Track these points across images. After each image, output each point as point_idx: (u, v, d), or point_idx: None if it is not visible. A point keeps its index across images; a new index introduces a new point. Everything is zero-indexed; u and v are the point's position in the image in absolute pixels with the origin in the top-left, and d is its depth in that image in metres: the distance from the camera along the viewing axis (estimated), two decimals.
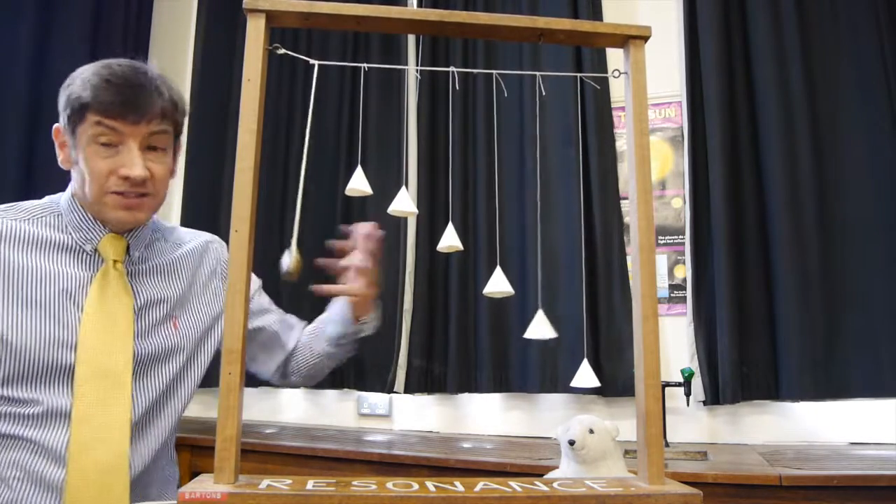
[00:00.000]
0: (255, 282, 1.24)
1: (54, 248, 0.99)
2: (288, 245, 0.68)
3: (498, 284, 0.84)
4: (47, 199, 1.05)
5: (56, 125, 1.01)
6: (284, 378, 1.28)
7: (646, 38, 0.71)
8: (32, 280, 0.96)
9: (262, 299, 1.26)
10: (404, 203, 0.79)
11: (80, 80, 0.95)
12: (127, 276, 1.02)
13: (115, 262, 1.01)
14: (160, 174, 1.00)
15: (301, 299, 2.67)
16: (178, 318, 1.08)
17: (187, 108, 1.07)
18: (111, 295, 0.99)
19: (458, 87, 2.56)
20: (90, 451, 0.91)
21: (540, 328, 0.80)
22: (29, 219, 1.00)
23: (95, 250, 1.01)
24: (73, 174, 1.00)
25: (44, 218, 1.01)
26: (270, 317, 1.25)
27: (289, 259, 0.69)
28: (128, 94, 0.94)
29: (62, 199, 1.04)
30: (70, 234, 1.01)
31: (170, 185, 1.07)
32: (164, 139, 1.00)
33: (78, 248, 1.00)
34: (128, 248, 1.03)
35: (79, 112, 0.94)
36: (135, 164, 0.95)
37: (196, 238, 1.19)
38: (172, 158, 1.06)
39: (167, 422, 1.05)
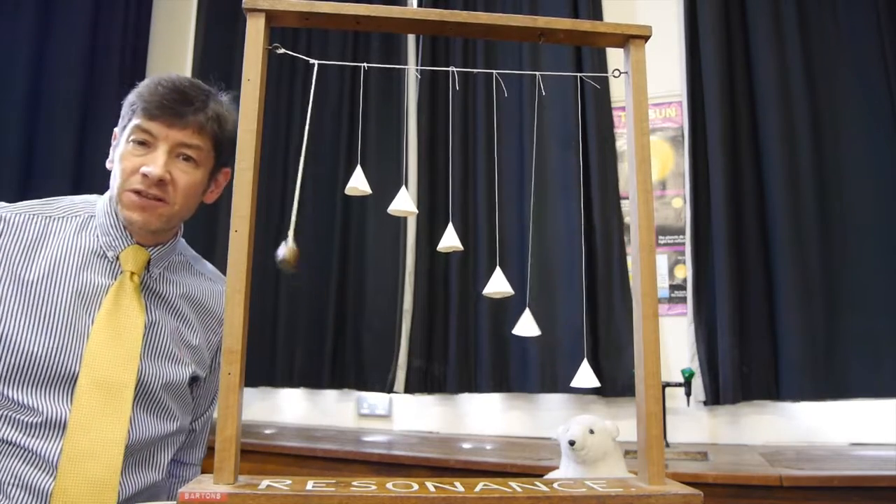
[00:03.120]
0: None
1: (78, 251, 0.99)
2: (285, 236, 0.69)
3: (498, 285, 0.84)
4: (86, 197, 1.06)
5: (116, 129, 1.04)
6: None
7: (646, 38, 0.71)
8: (49, 286, 0.95)
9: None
10: (404, 203, 0.79)
11: (140, 85, 0.99)
12: (143, 290, 1.01)
13: (132, 274, 0.99)
14: (183, 184, 0.99)
15: (298, 291, 2.69)
16: (184, 350, 1.06)
17: (234, 135, 1.05)
18: (124, 308, 0.97)
19: (458, 87, 2.56)
20: (81, 463, 0.89)
21: (526, 326, 0.81)
22: (63, 217, 1.01)
23: (117, 258, 1.00)
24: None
25: (77, 217, 1.01)
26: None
27: (285, 249, 0.69)
28: (168, 98, 0.96)
29: (100, 200, 1.04)
30: (98, 237, 1.00)
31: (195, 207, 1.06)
32: (196, 153, 0.99)
33: (101, 252, 1.00)
34: (149, 262, 1.02)
35: (129, 113, 0.98)
36: (155, 163, 0.96)
37: (220, 281, 1.16)
38: (206, 179, 1.04)
39: (167, 455, 1.04)
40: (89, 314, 0.96)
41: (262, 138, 0.67)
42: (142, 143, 0.97)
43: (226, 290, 0.64)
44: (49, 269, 0.96)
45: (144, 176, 0.95)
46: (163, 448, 1.03)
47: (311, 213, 2.71)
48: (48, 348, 0.92)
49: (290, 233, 0.69)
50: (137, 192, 0.96)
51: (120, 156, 0.98)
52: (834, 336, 2.06)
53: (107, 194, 1.03)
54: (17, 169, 2.45)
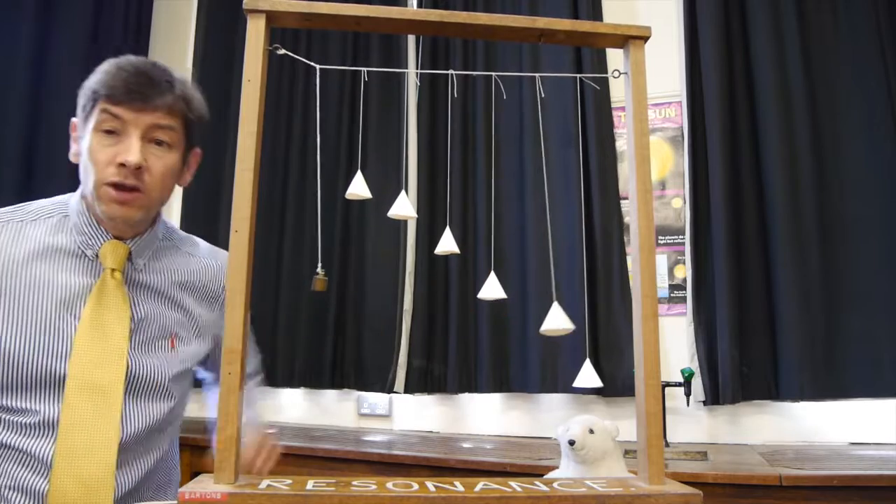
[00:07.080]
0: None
1: (56, 253, 0.97)
2: (315, 268, 0.79)
3: (492, 290, 0.84)
4: (58, 198, 1.03)
5: (73, 119, 1.00)
6: None
7: (646, 38, 0.71)
8: (30, 289, 0.94)
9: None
10: (404, 207, 0.80)
11: (99, 72, 0.95)
12: (127, 285, 0.99)
13: (113, 270, 0.97)
14: (157, 170, 0.96)
15: (298, 291, 2.70)
16: (177, 337, 1.04)
17: (205, 114, 1.03)
18: (108, 305, 0.96)
19: (457, 94, 2.56)
20: (75, 463, 0.89)
21: (557, 320, 0.78)
22: (35, 220, 0.98)
23: (96, 256, 0.98)
24: (80, 169, 0.98)
25: (51, 219, 0.99)
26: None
27: (316, 280, 0.79)
28: (133, 81, 0.92)
29: (72, 199, 1.01)
30: (74, 237, 0.98)
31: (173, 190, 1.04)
32: (169, 135, 0.97)
33: (80, 252, 0.98)
34: (130, 255, 1.00)
35: (91, 101, 0.94)
36: (130, 150, 0.92)
37: (214, 257, 1.14)
38: (180, 162, 1.01)
39: (161, 447, 1.02)
40: (74, 315, 0.94)
41: (262, 139, 0.67)
42: (111, 132, 0.93)
43: (226, 290, 0.64)
44: (29, 274, 0.94)
45: (121, 165, 0.92)
46: (163, 427, 1.02)
47: (312, 213, 2.71)
48: (34, 354, 0.91)
49: (319, 264, 0.79)
50: (115, 186, 0.93)
51: (89, 149, 0.94)
52: (834, 336, 2.06)
53: (78, 192, 1.01)
54: (18, 169, 2.45)
